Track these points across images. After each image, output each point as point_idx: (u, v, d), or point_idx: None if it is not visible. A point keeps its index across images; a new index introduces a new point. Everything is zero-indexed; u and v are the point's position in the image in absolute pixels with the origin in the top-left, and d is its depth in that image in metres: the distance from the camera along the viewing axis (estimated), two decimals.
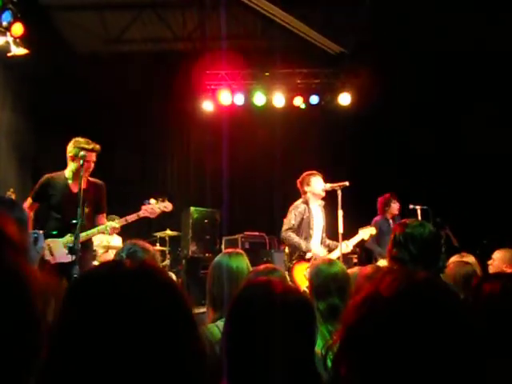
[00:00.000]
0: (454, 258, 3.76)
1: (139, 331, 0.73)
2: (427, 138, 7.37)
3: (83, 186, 3.98)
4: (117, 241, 7.14)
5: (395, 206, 6.02)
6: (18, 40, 5.47)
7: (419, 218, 5.70)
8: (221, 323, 2.33)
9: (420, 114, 7.40)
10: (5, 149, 6.59)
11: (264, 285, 1.34)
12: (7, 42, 5.42)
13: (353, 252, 5.28)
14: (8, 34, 5.39)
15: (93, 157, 4.10)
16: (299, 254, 4.69)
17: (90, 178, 4.25)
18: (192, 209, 7.75)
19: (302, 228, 4.76)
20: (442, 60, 7.15)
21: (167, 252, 6.92)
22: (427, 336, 0.78)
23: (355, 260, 7.11)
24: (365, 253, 6.25)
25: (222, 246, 7.46)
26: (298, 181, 5.01)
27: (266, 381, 1.20)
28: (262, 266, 2.45)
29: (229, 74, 7.91)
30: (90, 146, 4.06)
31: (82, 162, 3.91)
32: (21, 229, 1.96)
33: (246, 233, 7.32)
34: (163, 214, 4.42)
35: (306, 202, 4.86)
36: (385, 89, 7.29)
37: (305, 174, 4.99)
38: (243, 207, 8.42)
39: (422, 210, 5.92)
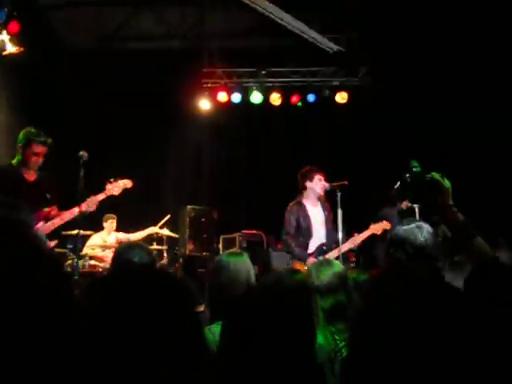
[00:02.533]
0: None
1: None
2: (426, 135, 7.35)
3: (34, 177, 4.05)
4: (113, 239, 7.13)
5: (406, 203, 5.95)
6: (13, 38, 5.45)
7: (417, 216, 5.69)
8: (217, 326, 2.32)
9: (418, 111, 7.39)
10: (1, 147, 6.56)
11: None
12: (2, 41, 5.39)
13: (351, 249, 5.22)
14: (4, 32, 5.37)
15: (42, 149, 4.00)
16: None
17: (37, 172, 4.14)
18: (189, 207, 7.74)
19: (301, 228, 4.80)
20: (438, 57, 7.13)
21: (164, 251, 6.91)
22: (433, 338, 0.78)
23: (353, 259, 7.10)
24: (364, 255, 6.20)
25: (220, 245, 7.45)
26: (300, 173, 4.99)
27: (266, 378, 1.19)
28: (285, 269, 2.42)
29: (226, 73, 7.89)
30: (42, 139, 3.98)
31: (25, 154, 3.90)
32: (30, 231, 1.91)
33: (243, 231, 7.31)
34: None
35: (300, 202, 4.88)
36: (382, 87, 7.29)
37: (308, 167, 4.97)
38: (241, 205, 8.41)
39: (419, 208, 5.90)
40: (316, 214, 4.89)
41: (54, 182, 4.23)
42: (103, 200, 4.45)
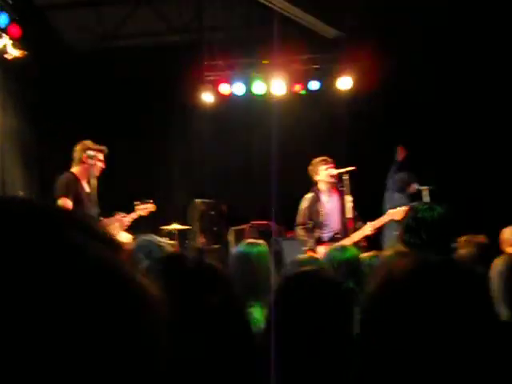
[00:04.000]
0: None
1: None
2: (430, 118, 7.34)
3: (88, 188, 4.47)
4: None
5: (414, 186, 5.97)
6: (15, 42, 5.47)
7: (424, 199, 5.72)
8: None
9: (421, 94, 7.37)
10: (9, 152, 6.61)
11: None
12: (5, 45, 5.42)
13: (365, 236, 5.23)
14: (5, 36, 5.40)
15: (103, 157, 4.48)
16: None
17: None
18: (198, 201, 7.78)
19: (315, 220, 4.88)
20: (441, 40, 7.10)
21: (176, 245, 6.96)
22: (441, 318, 0.78)
23: (364, 243, 7.13)
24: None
25: (231, 237, 7.50)
26: (308, 169, 5.07)
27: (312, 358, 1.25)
28: (303, 256, 2.48)
29: (227, 64, 7.87)
30: (102, 147, 4.51)
31: (92, 162, 4.33)
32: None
33: (253, 222, 7.34)
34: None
35: (314, 193, 4.96)
36: (384, 71, 7.26)
37: (313, 161, 5.02)
38: (249, 196, 8.44)
39: (427, 190, 5.92)
40: (330, 205, 4.95)
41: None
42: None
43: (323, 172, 4.90)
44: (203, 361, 0.77)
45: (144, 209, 4.89)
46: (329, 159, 4.99)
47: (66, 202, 4.17)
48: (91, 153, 4.39)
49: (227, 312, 0.82)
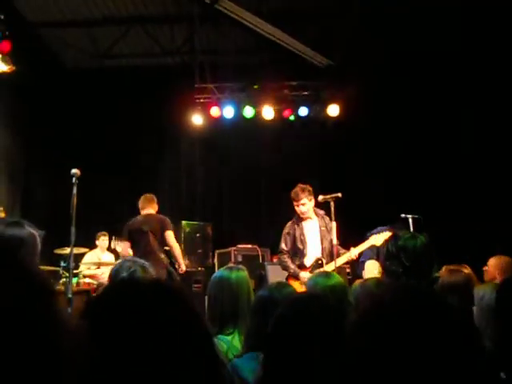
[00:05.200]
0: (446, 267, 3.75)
1: (155, 348, 0.73)
2: (416, 147, 7.44)
3: None
4: (108, 257, 7.09)
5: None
6: (5, 57, 5.47)
7: (411, 227, 5.71)
8: (222, 338, 2.32)
9: (408, 124, 7.47)
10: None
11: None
12: None
13: (347, 262, 5.18)
14: None
15: None
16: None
17: None
18: (184, 223, 7.72)
19: (297, 247, 4.84)
20: (429, 71, 7.25)
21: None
22: (423, 347, 0.78)
23: (348, 270, 7.09)
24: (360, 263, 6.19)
25: (215, 260, 7.42)
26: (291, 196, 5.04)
27: None
28: (274, 283, 2.41)
29: (218, 88, 7.93)
30: None
31: None
32: (29, 249, 1.94)
33: (238, 246, 7.29)
34: None
35: (296, 220, 4.92)
36: (372, 100, 7.37)
37: (295, 189, 4.96)
38: (235, 220, 8.40)
39: (413, 219, 5.93)
40: (312, 231, 4.91)
41: None
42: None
43: (296, 208, 4.90)
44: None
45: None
46: (305, 190, 4.88)
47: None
48: None
49: (174, 332, 0.77)
